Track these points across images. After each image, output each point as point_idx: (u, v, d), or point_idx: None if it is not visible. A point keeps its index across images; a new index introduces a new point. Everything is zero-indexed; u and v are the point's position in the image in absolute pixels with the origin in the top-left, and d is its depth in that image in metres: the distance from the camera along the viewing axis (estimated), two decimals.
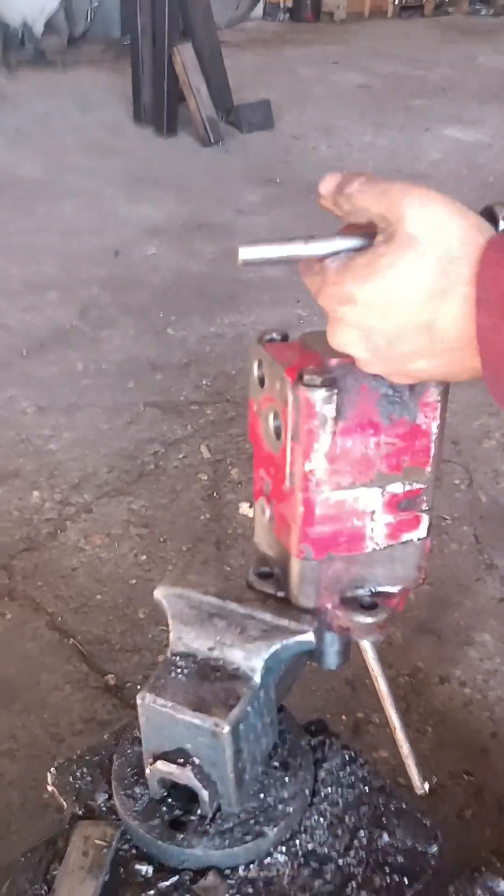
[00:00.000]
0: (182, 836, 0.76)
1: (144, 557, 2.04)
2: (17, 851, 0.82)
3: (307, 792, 0.82)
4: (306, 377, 0.72)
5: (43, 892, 0.78)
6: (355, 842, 0.80)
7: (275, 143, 5.48)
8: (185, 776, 0.74)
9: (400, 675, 1.73)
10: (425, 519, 0.81)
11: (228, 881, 0.76)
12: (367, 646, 0.88)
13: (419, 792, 0.92)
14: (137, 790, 0.80)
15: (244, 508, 0.86)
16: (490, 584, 1.99)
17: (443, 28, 8.50)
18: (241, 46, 7.20)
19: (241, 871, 0.76)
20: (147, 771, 0.77)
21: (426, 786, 0.92)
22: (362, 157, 5.32)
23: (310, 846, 0.79)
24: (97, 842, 0.78)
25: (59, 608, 1.88)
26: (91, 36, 7.47)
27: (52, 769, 0.88)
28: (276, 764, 0.82)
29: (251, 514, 0.90)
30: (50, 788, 0.87)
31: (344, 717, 1.62)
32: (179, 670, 0.77)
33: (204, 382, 2.83)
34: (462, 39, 7.86)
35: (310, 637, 0.78)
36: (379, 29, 8.40)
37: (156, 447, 2.47)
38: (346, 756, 0.88)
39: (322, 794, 0.84)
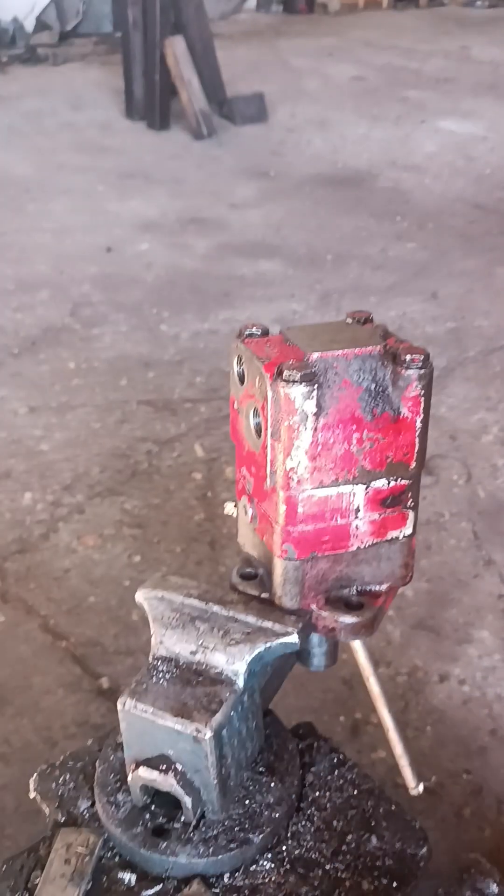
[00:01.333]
0: (165, 843, 0.74)
1: (138, 558, 2.02)
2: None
3: (294, 797, 0.81)
4: (286, 373, 0.71)
5: None
6: (343, 846, 0.78)
7: (269, 136, 5.45)
8: (167, 783, 0.73)
9: (398, 674, 1.71)
10: (411, 515, 0.79)
11: (213, 889, 0.74)
12: (357, 645, 0.86)
13: (413, 792, 0.91)
14: (120, 797, 0.78)
15: (228, 508, 0.84)
16: (489, 581, 1.97)
17: (438, 19, 8.45)
18: (235, 39, 7.16)
19: (226, 879, 0.75)
20: (129, 777, 0.75)
21: (420, 786, 0.90)
22: (357, 149, 5.29)
23: (297, 852, 0.78)
24: (79, 850, 0.76)
25: (51, 610, 1.86)
26: (82, 31, 7.44)
27: (35, 775, 0.86)
28: (261, 769, 0.81)
29: (235, 514, 0.88)
30: (32, 795, 0.85)
31: (342, 718, 1.60)
32: (161, 675, 0.75)
33: (198, 380, 2.80)
34: (457, 31, 7.81)
35: (294, 639, 0.76)
36: (373, 20, 8.36)
37: (149, 446, 2.45)
38: (335, 759, 0.87)
39: (310, 798, 0.83)
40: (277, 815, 0.77)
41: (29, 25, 7.17)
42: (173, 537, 2.09)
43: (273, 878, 0.75)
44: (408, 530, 0.80)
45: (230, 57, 5.94)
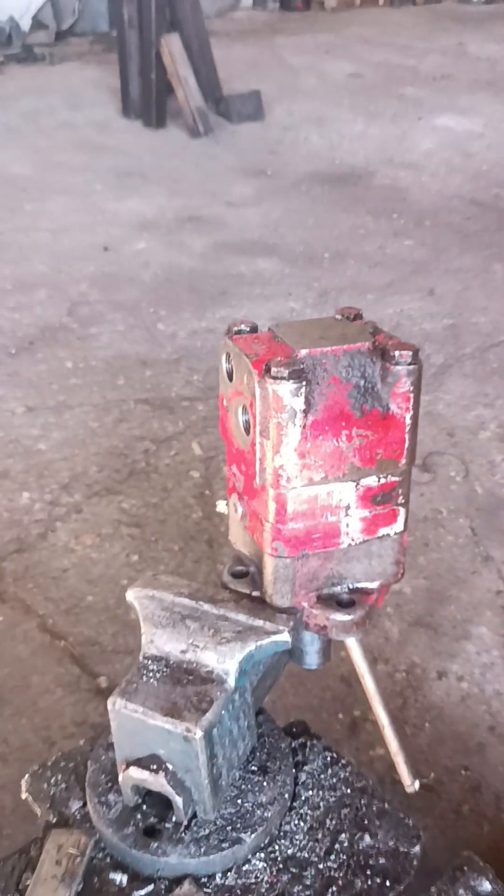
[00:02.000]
0: (156, 843, 0.74)
1: (136, 557, 2.02)
2: None
3: (286, 796, 0.80)
4: (273, 369, 0.70)
5: None
6: (336, 845, 0.78)
7: (265, 133, 5.44)
8: (158, 783, 0.72)
9: (397, 671, 1.70)
10: (402, 512, 0.79)
11: (205, 889, 0.73)
12: (351, 643, 0.86)
13: (409, 789, 0.90)
14: (111, 797, 0.78)
15: (220, 506, 0.83)
16: (487, 577, 1.97)
17: (434, 16, 8.42)
18: (231, 36, 7.15)
19: (218, 879, 0.74)
20: (120, 778, 0.75)
21: (416, 783, 0.90)
22: (354, 147, 5.28)
23: (289, 851, 0.77)
24: (70, 850, 0.76)
25: (50, 610, 1.86)
26: (79, 30, 7.43)
27: (27, 776, 0.86)
28: (254, 768, 0.80)
29: (227, 512, 0.88)
30: (24, 796, 0.85)
31: (340, 715, 1.60)
32: (151, 674, 0.75)
33: (195, 378, 2.80)
34: (454, 27, 7.78)
35: (285, 637, 0.75)
36: (370, 17, 8.34)
37: (146, 445, 2.45)
38: (328, 758, 0.86)
39: (302, 797, 0.82)
40: (270, 814, 0.77)
41: (25, 25, 7.17)
42: (171, 536, 2.08)
43: (265, 878, 0.75)
44: (399, 527, 0.79)
45: (226, 55, 5.93)
